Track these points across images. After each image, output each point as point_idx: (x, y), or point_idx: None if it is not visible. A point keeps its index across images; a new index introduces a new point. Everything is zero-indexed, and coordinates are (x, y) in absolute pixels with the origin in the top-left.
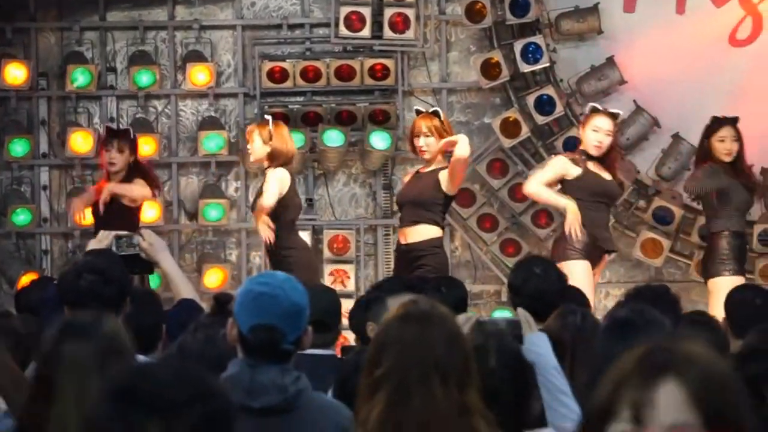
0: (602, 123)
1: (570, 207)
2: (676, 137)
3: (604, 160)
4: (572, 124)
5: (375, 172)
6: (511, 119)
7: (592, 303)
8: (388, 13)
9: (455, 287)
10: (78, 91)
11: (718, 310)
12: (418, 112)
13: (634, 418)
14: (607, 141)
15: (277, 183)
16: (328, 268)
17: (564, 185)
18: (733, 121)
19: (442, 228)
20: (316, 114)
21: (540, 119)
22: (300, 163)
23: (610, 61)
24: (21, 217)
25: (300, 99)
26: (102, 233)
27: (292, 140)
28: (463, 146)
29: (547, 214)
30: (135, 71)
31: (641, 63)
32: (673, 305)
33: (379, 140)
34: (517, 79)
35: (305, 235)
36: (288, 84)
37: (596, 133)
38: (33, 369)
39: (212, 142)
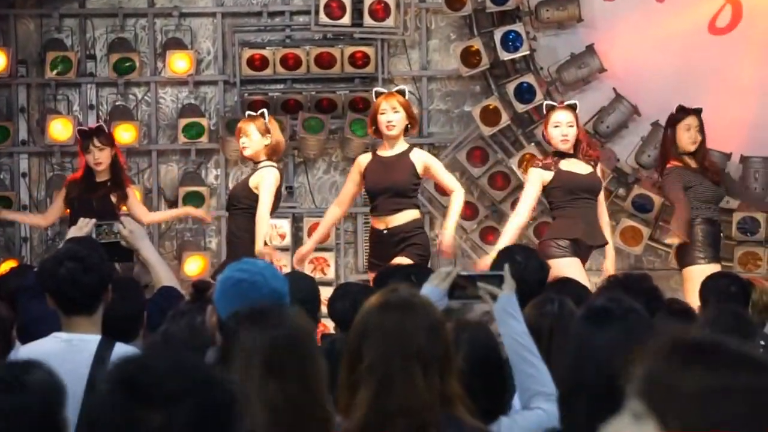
0: (561, 117)
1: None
2: (656, 125)
3: (574, 153)
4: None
5: (355, 159)
6: (491, 107)
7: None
8: (368, 0)
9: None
10: (57, 78)
11: (693, 299)
12: (379, 93)
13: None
14: (572, 132)
15: (274, 188)
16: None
17: (544, 193)
18: (697, 112)
19: (419, 208)
20: (296, 102)
21: (520, 107)
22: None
23: (590, 49)
24: (0, 204)
25: (280, 87)
26: (82, 221)
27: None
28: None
29: None
30: (115, 59)
31: (621, 51)
32: (653, 294)
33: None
34: (497, 67)
35: (285, 223)
36: (268, 72)
37: (558, 128)
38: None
39: (192, 130)
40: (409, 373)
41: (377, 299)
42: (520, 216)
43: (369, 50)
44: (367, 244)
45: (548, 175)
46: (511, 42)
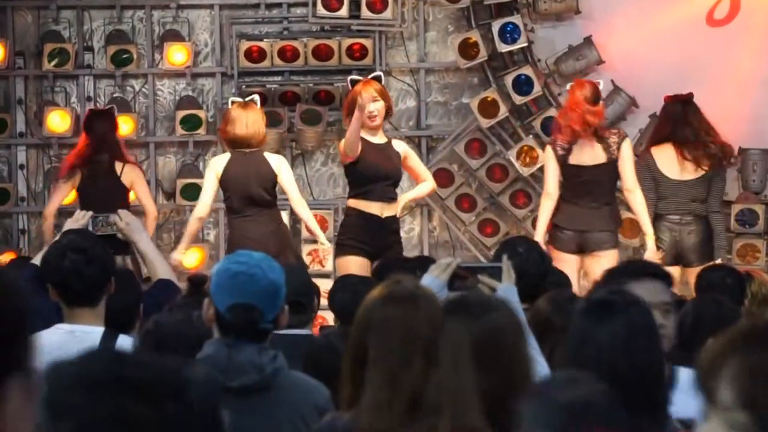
0: None
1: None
2: (654, 117)
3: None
4: (550, 104)
5: None
6: (489, 99)
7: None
8: None
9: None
10: (55, 70)
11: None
12: (354, 82)
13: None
14: None
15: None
16: (306, 248)
17: None
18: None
19: None
20: (294, 94)
21: (518, 99)
22: (278, 143)
23: (588, 41)
24: None
25: (278, 79)
26: (78, 212)
27: None
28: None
29: (524, 195)
30: (112, 50)
31: (619, 43)
32: None
33: None
34: (495, 59)
35: (284, 215)
36: (266, 64)
37: None
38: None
39: (190, 122)
40: (412, 366)
41: (381, 291)
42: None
43: (367, 42)
44: None
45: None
46: (509, 34)
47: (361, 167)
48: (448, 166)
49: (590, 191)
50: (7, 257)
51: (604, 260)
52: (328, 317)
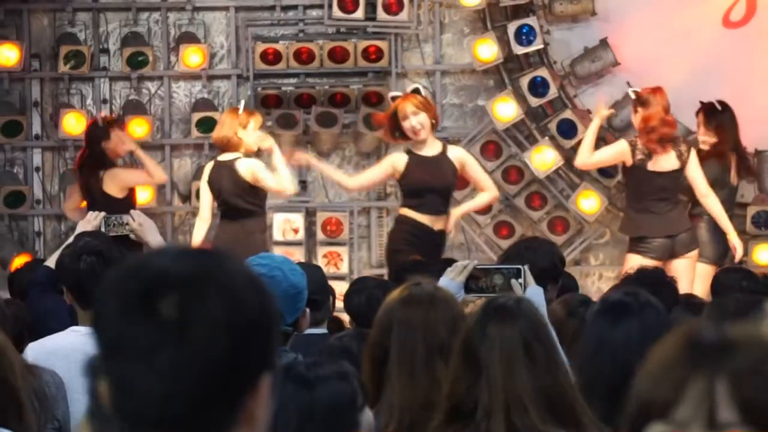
0: None
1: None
2: None
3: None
4: (566, 106)
5: (368, 154)
6: (505, 101)
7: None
8: None
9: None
10: (71, 72)
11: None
12: (395, 98)
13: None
14: None
15: None
16: (321, 251)
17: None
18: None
19: None
20: (310, 96)
21: (534, 101)
22: (293, 146)
23: (604, 43)
24: (13, 198)
25: (293, 81)
26: (91, 213)
27: None
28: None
29: (540, 197)
30: (128, 53)
31: (635, 45)
32: (669, 289)
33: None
34: (510, 61)
35: (299, 217)
36: (281, 66)
37: None
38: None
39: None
40: (432, 367)
41: (401, 293)
42: None
43: (382, 44)
44: (381, 239)
45: None
46: (525, 36)
47: (408, 182)
48: None
49: (664, 197)
50: (22, 259)
51: (691, 261)
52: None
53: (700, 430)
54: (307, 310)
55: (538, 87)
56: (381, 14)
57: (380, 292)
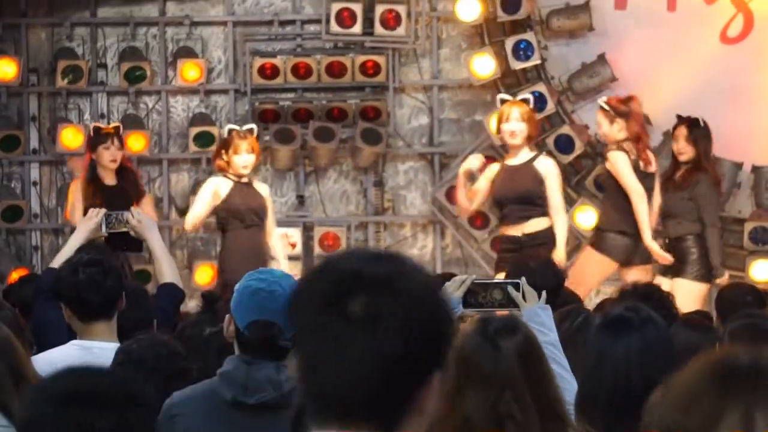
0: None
1: None
2: (668, 135)
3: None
4: (563, 121)
5: (366, 169)
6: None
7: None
8: (380, 9)
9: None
10: (68, 87)
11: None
12: (503, 101)
13: None
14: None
15: None
16: None
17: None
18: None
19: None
20: (307, 111)
21: None
22: (291, 160)
23: (601, 59)
24: (11, 213)
25: (291, 95)
26: (92, 210)
27: None
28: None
29: None
30: (126, 67)
31: (632, 60)
32: (666, 304)
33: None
34: (508, 77)
35: (296, 232)
36: (279, 80)
37: None
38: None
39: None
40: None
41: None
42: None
43: (380, 59)
44: None
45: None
46: (523, 51)
47: (494, 194)
48: None
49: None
50: (19, 274)
51: (643, 273)
52: None
53: None
54: None
55: (536, 102)
56: (378, 29)
57: None
